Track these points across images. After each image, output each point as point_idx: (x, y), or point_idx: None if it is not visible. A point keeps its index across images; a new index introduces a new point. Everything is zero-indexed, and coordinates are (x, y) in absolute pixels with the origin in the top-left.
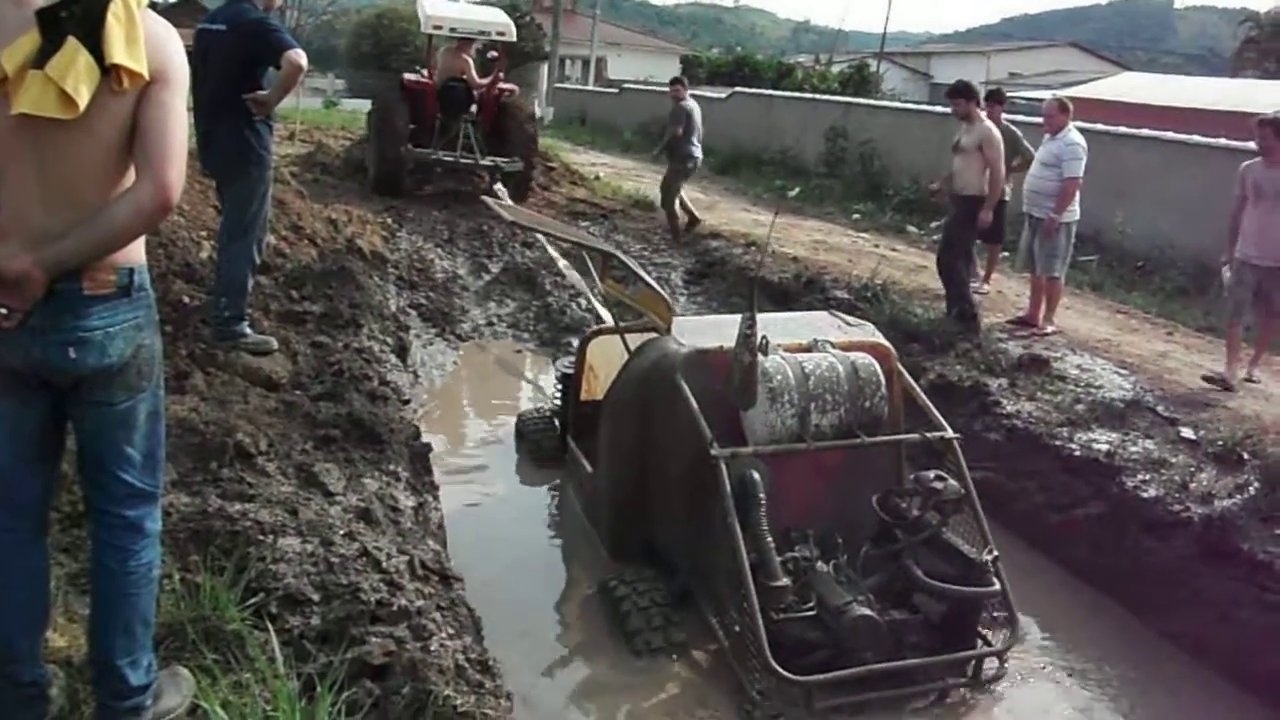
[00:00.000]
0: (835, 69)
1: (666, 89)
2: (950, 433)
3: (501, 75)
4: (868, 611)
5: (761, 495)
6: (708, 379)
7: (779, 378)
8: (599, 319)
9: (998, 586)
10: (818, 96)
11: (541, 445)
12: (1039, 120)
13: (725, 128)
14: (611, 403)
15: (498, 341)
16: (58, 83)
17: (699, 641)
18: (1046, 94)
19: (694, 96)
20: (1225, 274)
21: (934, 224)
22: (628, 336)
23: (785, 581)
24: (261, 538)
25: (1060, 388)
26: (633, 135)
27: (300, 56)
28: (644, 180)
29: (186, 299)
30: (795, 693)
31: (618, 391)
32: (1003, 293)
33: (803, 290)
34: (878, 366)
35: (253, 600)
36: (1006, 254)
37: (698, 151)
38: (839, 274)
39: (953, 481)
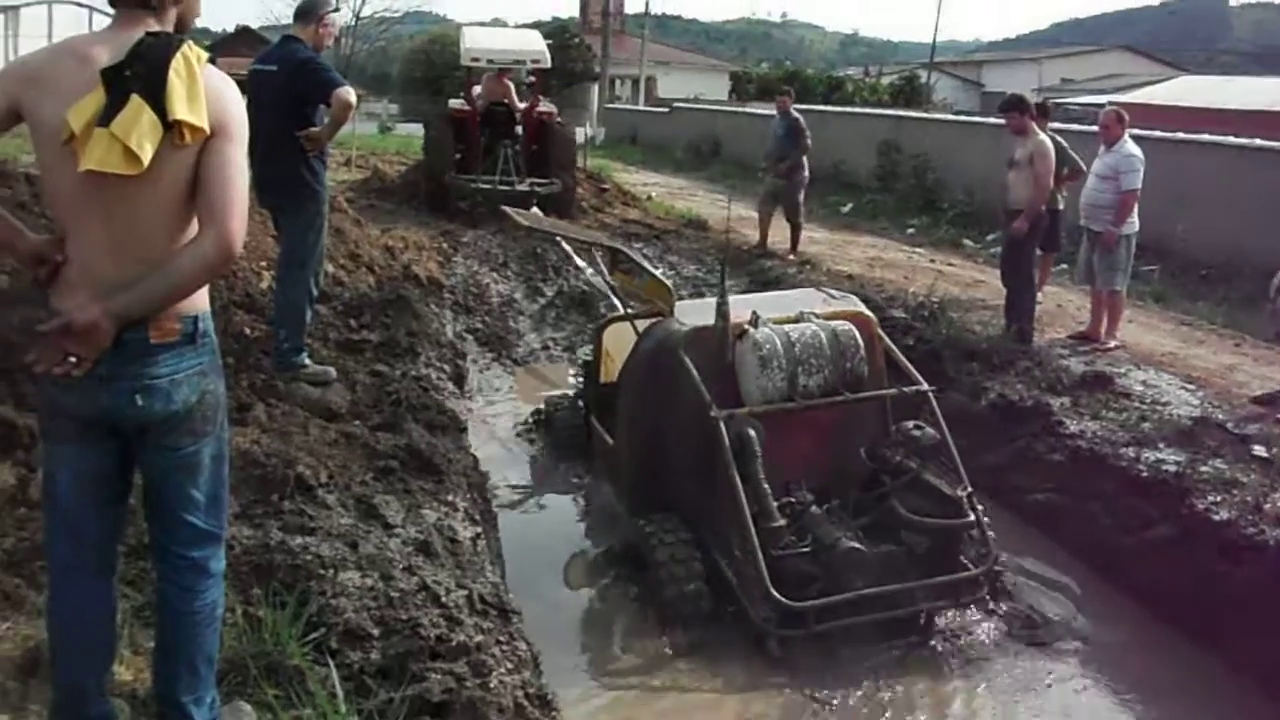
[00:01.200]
0: (885, 80)
1: (715, 107)
2: (926, 386)
3: (540, 97)
4: (856, 544)
5: (758, 449)
6: (705, 351)
7: (768, 346)
8: (613, 308)
9: (972, 518)
10: (869, 111)
11: (566, 426)
12: (1094, 129)
13: (768, 143)
14: (626, 379)
15: (553, 365)
16: (122, 140)
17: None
18: (1101, 99)
19: (743, 114)
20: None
21: (990, 236)
22: (637, 322)
23: (782, 522)
24: (322, 571)
25: (1125, 405)
26: (684, 154)
27: (349, 94)
28: (696, 199)
29: (248, 330)
30: (796, 621)
31: (630, 369)
32: (1062, 306)
33: None
34: (857, 332)
35: (313, 635)
36: (1065, 266)
37: (806, 175)
38: (895, 291)
39: (930, 429)
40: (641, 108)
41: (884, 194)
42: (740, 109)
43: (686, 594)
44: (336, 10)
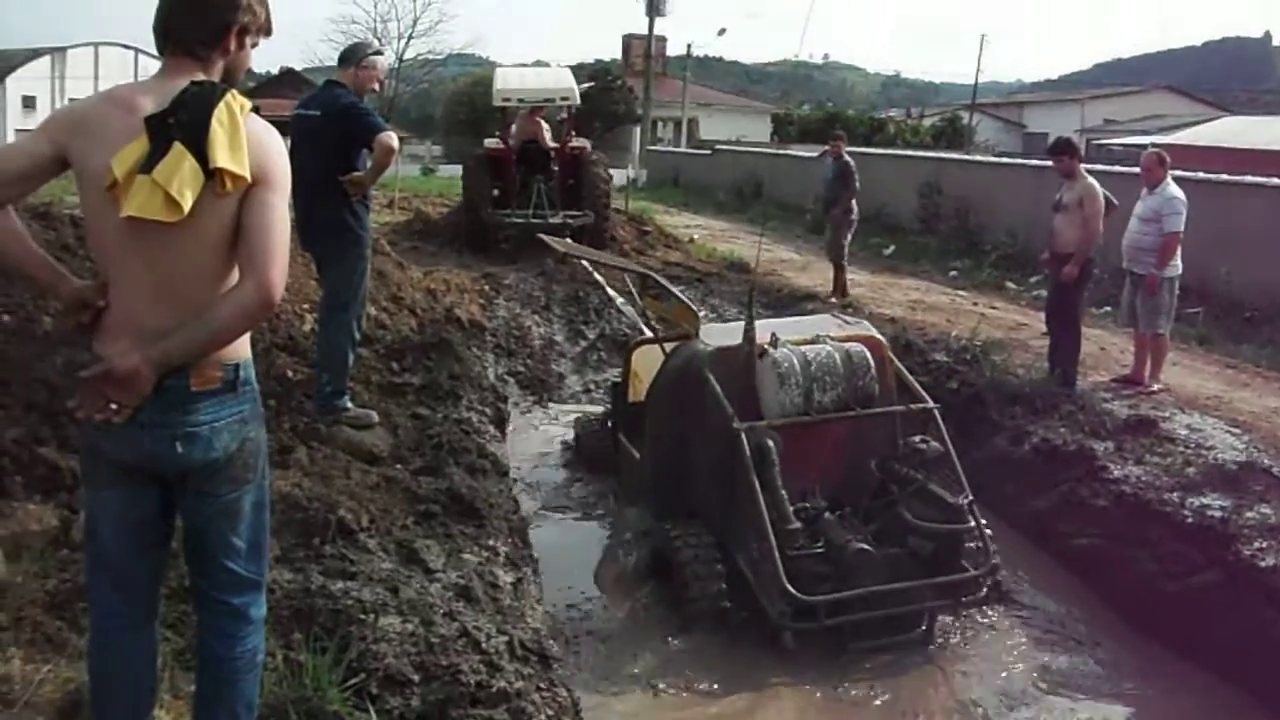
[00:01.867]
0: (927, 122)
1: (757, 149)
2: (931, 404)
3: (573, 133)
4: (865, 546)
5: (775, 459)
6: (728, 370)
7: (786, 365)
8: (642, 331)
9: (972, 523)
10: (911, 153)
11: (595, 444)
12: (1135, 170)
13: (818, 187)
14: (654, 395)
15: (595, 408)
16: (164, 187)
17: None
18: (1143, 140)
19: (785, 155)
20: None
21: (1033, 279)
22: (666, 344)
23: (797, 525)
24: (363, 616)
25: (1169, 450)
26: (726, 195)
27: (391, 139)
28: (738, 241)
29: (290, 373)
30: (809, 615)
31: (658, 385)
32: (1105, 350)
33: (901, 354)
34: (868, 353)
35: (354, 681)
36: (1108, 309)
37: (855, 217)
38: (937, 335)
39: (935, 444)
40: (684, 150)
41: (926, 236)
42: (782, 151)
43: (709, 593)
44: (379, 54)
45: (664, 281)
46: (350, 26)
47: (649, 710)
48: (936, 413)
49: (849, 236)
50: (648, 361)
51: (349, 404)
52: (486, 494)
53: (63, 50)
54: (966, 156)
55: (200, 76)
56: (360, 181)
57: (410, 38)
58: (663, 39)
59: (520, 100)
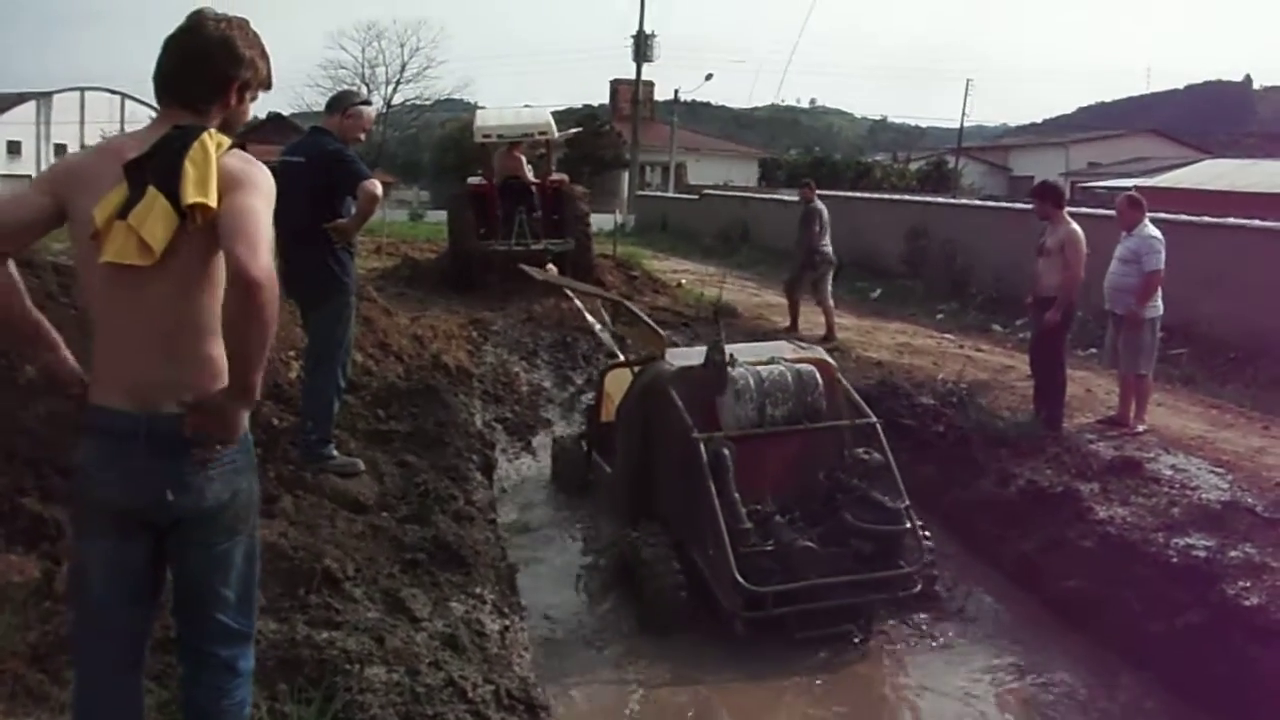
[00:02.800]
0: (913, 166)
1: (745, 194)
2: (874, 419)
3: (552, 168)
4: (810, 544)
5: (730, 465)
6: (690, 386)
7: (742, 382)
8: (614, 354)
9: (908, 525)
10: (897, 197)
11: (571, 462)
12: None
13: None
14: (623, 410)
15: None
16: (137, 231)
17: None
18: (1128, 183)
19: (772, 200)
20: None
21: (1019, 322)
22: (635, 366)
23: (749, 526)
24: (349, 667)
25: (1154, 490)
26: (713, 240)
27: (376, 187)
28: (726, 286)
29: (275, 420)
30: (758, 604)
31: (627, 402)
32: (1091, 391)
33: (887, 396)
34: (817, 373)
35: None
36: (1093, 350)
37: (829, 249)
38: (924, 378)
39: (877, 455)
40: (671, 194)
41: (913, 279)
42: (769, 195)
43: (665, 589)
44: (367, 103)
45: (634, 308)
46: (338, 72)
47: (608, 699)
48: (879, 427)
49: (828, 278)
50: (619, 383)
51: (334, 452)
52: (473, 541)
53: (48, 95)
54: (952, 200)
55: (191, 123)
56: (344, 229)
57: (398, 83)
58: (650, 84)
59: (499, 136)
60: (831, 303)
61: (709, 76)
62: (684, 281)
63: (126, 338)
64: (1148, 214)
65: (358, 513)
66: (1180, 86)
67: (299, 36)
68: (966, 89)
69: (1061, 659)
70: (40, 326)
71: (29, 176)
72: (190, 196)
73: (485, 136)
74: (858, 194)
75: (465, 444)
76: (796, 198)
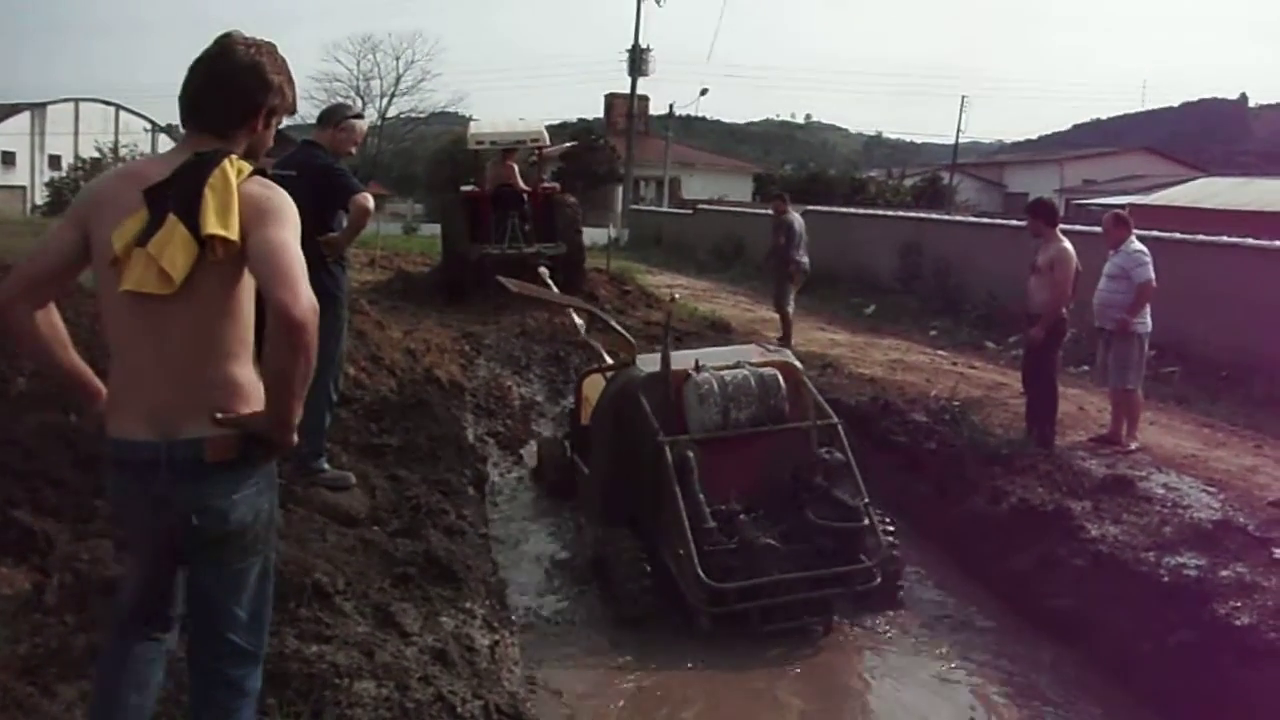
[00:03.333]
0: (908, 182)
1: (739, 209)
2: (836, 420)
3: (544, 176)
4: (771, 541)
5: (695, 467)
6: (657, 392)
7: (706, 387)
8: (589, 360)
9: (866, 522)
10: (891, 213)
11: (553, 463)
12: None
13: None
14: (596, 415)
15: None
16: (156, 259)
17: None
18: (1122, 200)
19: (767, 215)
20: None
21: (1012, 339)
22: (609, 372)
23: (713, 524)
24: (338, 681)
25: (1146, 509)
26: (707, 255)
27: (367, 200)
28: (719, 300)
29: None
30: (721, 600)
31: (600, 406)
32: (1084, 409)
33: (880, 414)
34: (780, 376)
35: None
36: (1085, 368)
37: (804, 259)
38: (916, 394)
39: (839, 454)
40: (666, 209)
41: (906, 296)
42: (764, 210)
43: (634, 589)
44: (359, 117)
45: (606, 317)
46: (333, 84)
47: (585, 687)
48: (840, 428)
49: (791, 289)
50: (596, 388)
51: (326, 465)
52: (464, 556)
53: (43, 106)
54: (947, 217)
55: (214, 147)
56: (335, 243)
57: (393, 96)
58: (645, 98)
59: (493, 143)
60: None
61: (704, 91)
62: (678, 296)
63: (147, 365)
64: (1134, 231)
65: (348, 526)
66: (1176, 104)
67: (294, 49)
68: (961, 105)
69: (1049, 675)
70: (83, 376)
71: (23, 187)
72: (209, 227)
73: (479, 143)
74: (852, 210)
75: (457, 458)
76: (800, 212)
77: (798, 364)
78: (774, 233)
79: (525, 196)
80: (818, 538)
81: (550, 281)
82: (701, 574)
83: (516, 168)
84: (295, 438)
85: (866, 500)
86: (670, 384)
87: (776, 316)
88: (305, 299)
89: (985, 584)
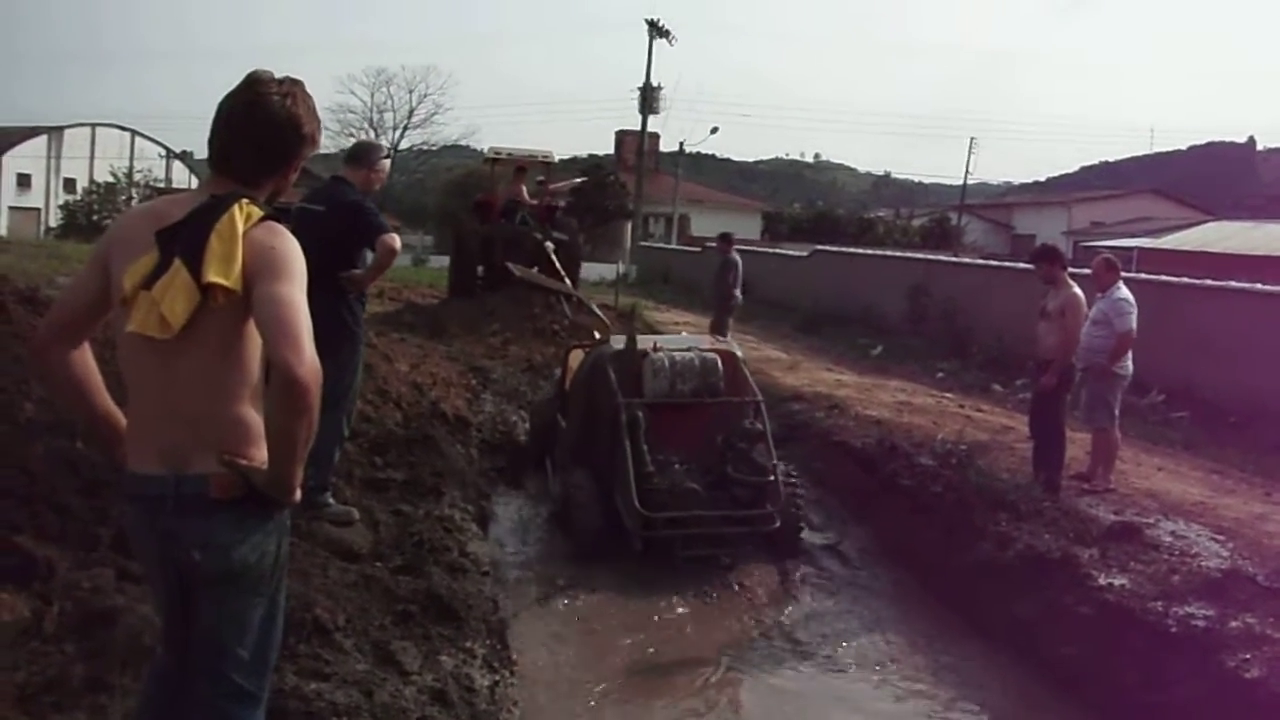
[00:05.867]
0: (916, 222)
1: (746, 247)
2: (759, 398)
3: (550, 193)
4: (696, 486)
5: (643, 425)
6: (621, 364)
7: (660, 363)
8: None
9: (773, 479)
10: (898, 254)
11: (543, 420)
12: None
13: (807, 285)
14: (575, 381)
15: None
16: (158, 304)
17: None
18: (1130, 242)
19: (776, 254)
20: None
21: (1019, 382)
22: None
23: (651, 469)
24: None
25: (1154, 557)
26: (713, 292)
27: (395, 240)
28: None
29: None
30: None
31: (578, 376)
32: (1090, 453)
33: (886, 457)
34: (720, 360)
35: None
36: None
37: (738, 295)
38: (923, 437)
39: (759, 425)
40: (674, 246)
41: (914, 337)
42: (772, 249)
43: (584, 514)
44: (388, 157)
45: (588, 303)
46: (347, 116)
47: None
48: (762, 405)
49: (729, 319)
50: (577, 360)
51: (330, 500)
52: (465, 594)
53: (60, 129)
54: (954, 258)
55: (236, 190)
56: (358, 280)
57: (406, 128)
58: (656, 135)
59: (509, 154)
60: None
61: (714, 130)
62: (685, 333)
63: (156, 403)
64: (1142, 275)
65: (350, 561)
66: (1183, 147)
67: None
68: (970, 146)
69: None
70: (114, 419)
71: (38, 210)
72: (209, 275)
73: (496, 154)
74: (860, 250)
75: (461, 494)
76: (808, 252)
77: (738, 352)
78: (720, 269)
79: (530, 208)
80: (734, 488)
81: (555, 258)
82: (638, 504)
83: (525, 188)
84: (297, 495)
85: (775, 462)
86: (634, 359)
87: (784, 355)
88: (309, 359)
89: (989, 632)
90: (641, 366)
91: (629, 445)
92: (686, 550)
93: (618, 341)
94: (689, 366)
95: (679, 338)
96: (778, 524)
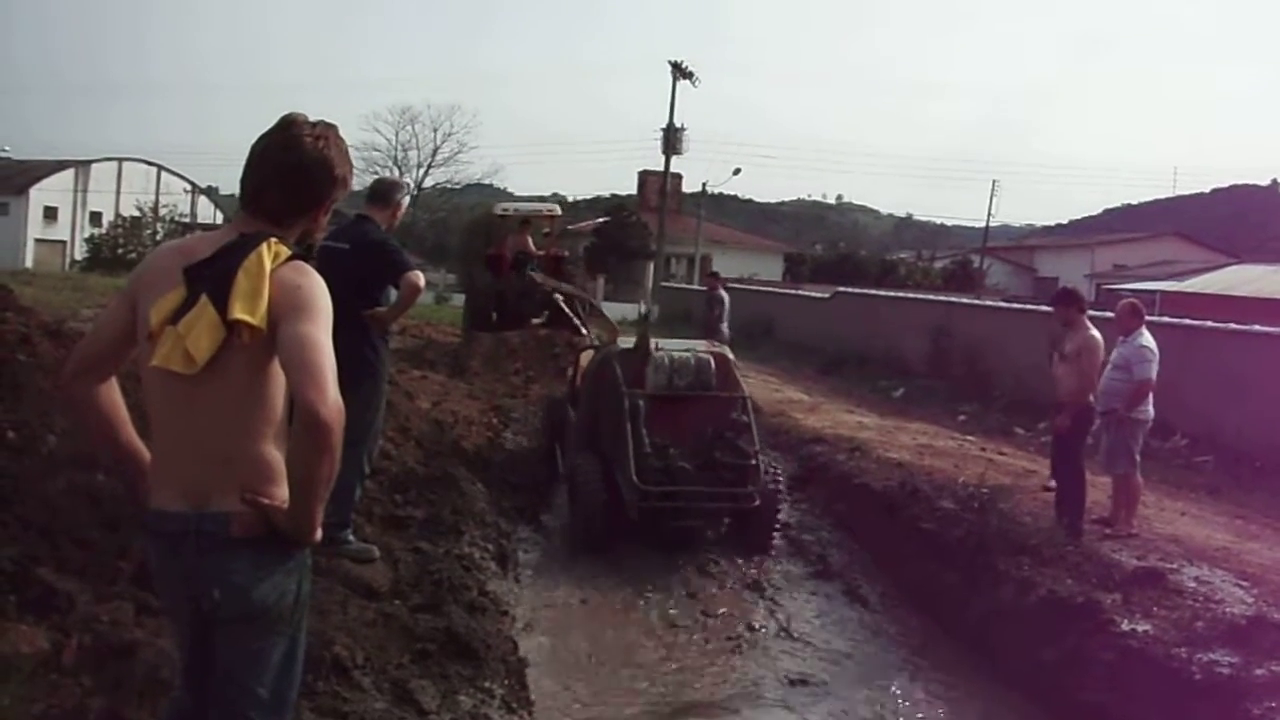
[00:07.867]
0: (938, 264)
1: (768, 288)
2: (746, 394)
3: (557, 244)
4: (686, 466)
5: (643, 413)
6: (626, 361)
7: (660, 360)
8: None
9: (754, 462)
10: (921, 296)
11: (556, 413)
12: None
13: (829, 327)
14: (586, 376)
15: None
16: (184, 339)
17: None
18: (1154, 285)
19: (798, 296)
20: None
21: (1041, 425)
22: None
23: (649, 451)
24: None
25: (1177, 603)
26: (735, 334)
27: (419, 278)
28: (748, 380)
29: None
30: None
31: (589, 372)
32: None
33: (908, 499)
34: (713, 361)
35: None
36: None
37: (726, 329)
38: (944, 480)
39: (744, 417)
40: (696, 287)
41: (935, 379)
42: (794, 290)
43: (589, 491)
44: (409, 195)
45: (600, 307)
46: (372, 154)
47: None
48: (748, 400)
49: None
50: (588, 358)
51: (350, 537)
52: (484, 634)
53: (87, 164)
54: (976, 300)
55: (266, 229)
56: (382, 318)
57: (430, 167)
58: (678, 176)
59: (516, 210)
60: None
61: (737, 171)
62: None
63: (179, 439)
64: (1166, 318)
65: (370, 599)
66: (1207, 190)
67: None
68: (993, 189)
69: None
70: (140, 454)
71: (63, 242)
72: (234, 312)
73: (504, 211)
74: (882, 292)
75: (481, 533)
76: (830, 294)
77: (730, 355)
78: (708, 305)
79: (537, 259)
80: (720, 470)
81: (565, 307)
82: (635, 479)
83: (531, 239)
84: (318, 535)
85: (757, 449)
86: (640, 356)
87: (805, 397)
88: (332, 400)
89: (1012, 677)
90: (645, 364)
91: (630, 430)
92: (676, 521)
93: (624, 343)
94: (686, 364)
95: (681, 342)
96: (757, 502)
